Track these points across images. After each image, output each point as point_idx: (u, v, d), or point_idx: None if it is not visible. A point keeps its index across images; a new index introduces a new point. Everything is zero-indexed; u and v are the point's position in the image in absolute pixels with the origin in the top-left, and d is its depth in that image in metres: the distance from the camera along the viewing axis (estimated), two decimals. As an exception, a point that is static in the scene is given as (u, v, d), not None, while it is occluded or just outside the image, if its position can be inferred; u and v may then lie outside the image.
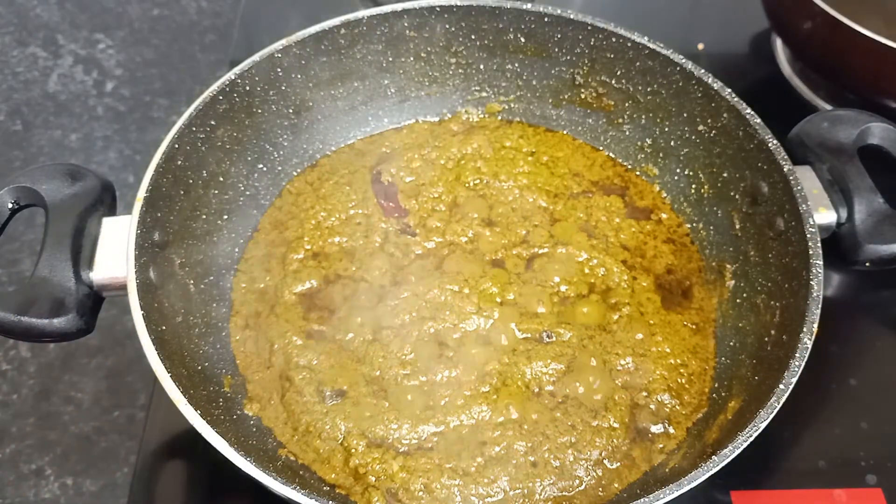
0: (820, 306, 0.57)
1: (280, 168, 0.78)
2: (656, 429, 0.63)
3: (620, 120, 0.80)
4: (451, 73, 0.82)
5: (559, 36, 0.77)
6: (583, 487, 0.60)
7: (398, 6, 0.75)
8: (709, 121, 0.72)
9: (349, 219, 0.75)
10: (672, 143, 0.77)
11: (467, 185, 0.78)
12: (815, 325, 0.56)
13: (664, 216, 0.76)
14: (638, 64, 0.75)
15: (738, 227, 0.70)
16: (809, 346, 0.55)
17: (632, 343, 0.67)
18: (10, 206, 0.62)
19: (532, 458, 0.61)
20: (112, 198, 0.65)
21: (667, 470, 0.60)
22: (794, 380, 0.54)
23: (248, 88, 0.72)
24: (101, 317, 0.61)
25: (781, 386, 0.54)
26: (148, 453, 0.66)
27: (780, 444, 0.66)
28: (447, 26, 0.78)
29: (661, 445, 0.62)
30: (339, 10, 0.76)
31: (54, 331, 0.57)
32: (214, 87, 0.69)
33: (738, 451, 0.51)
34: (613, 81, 0.78)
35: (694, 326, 0.69)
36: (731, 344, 0.67)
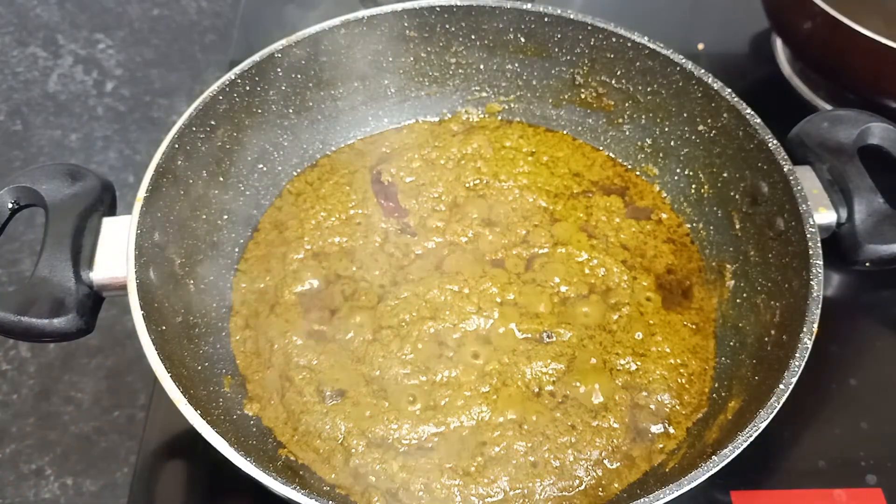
0: (820, 306, 0.57)
1: (280, 168, 0.78)
2: (656, 429, 0.63)
3: (620, 120, 0.80)
4: (451, 73, 0.82)
5: (559, 36, 0.77)
6: (583, 487, 0.60)
7: (398, 6, 0.75)
8: (709, 121, 0.72)
9: (349, 219, 0.75)
10: (672, 143, 0.77)
11: (467, 185, 0.78)
12: (815, 325, 0.56)
13: (664, 216, 0.76)
14: (638, 64, 0.75)
15: (738, 227, 0.70)
16: (809, 346, 0.55)
17: (632, 343, 0.67)
18: (10, 206, 0.62)
19: (532, 459, 0.61)
20: (112, 198, 0.65)
21: (667, 470, 0.60)
22: (794, 380, 0.54)
23: (248, 88, 0.72)
24: (101, 317, 0.61)
25: (781, 386, 0.54)
26: (148, 453, 0.66)
27: (780, 444, 0.66)
28: (447, 26, 0.78)
29: (661, 445, 0.62)
30: (339, 10, 0.76)
31: (54, 331, 0.57)
32: (214, 87, 0.69)
33: (738, 451, 0.51)
34: (613, 81, 0.78)
35: (694, 326, 0.69)
36: (731, 344, 0.67)
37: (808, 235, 0.60)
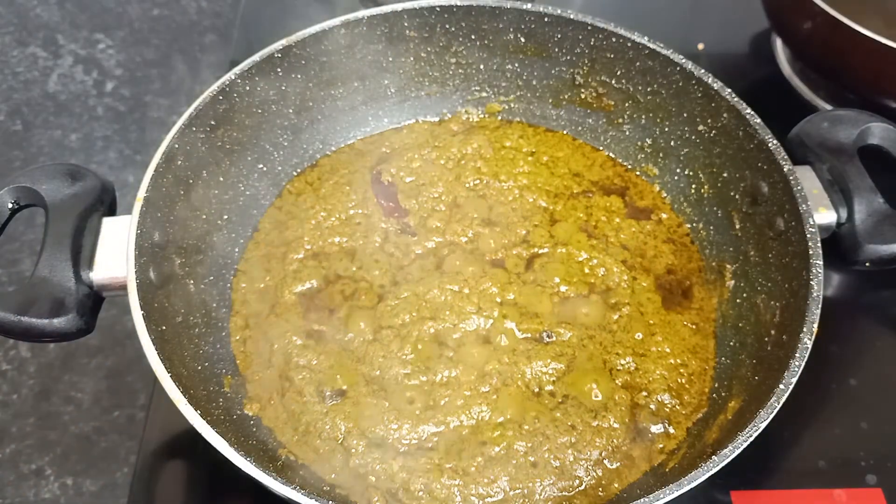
0: (820, 306, 0.57)
1: (280, 168, 0.78)
2: (656, 429, 0.63)
3: (620, 120, 0.80)
4: (451, 73, 0.82)
5: (559, 36, 0.77)
6: (583, 487, 0.60)
7: (398, 6, 0.75)
8: (709, 121, 0.72)
9: (349, 219, 0.75)
10: (672, 143, 0.77)
11: (467, 185, 0.78)
12: (815, 325, 0.56)
13: (664, 216, 0.76)
14: (638, 64, 0.75)
15: (738, 227, 0.70)
16: (809, 346, 0.55)
17: (632, 343, 0.67)
18: (10, 206, 0.62)
19: (532, 458, 0.61)
20: (112, 198, 0.65)
21: (667, 470, 0.60)
22: (794, 380, 0.54)
23: (248, 88, 0.72)
24: (101, 317, 0.61)
25: (781, 386, 0.54)
26: (148, 453, 0.66)
27: (780, 444, 0.66)
28: (447, 26, 0.78)
29: (661, 445, 0.62)
30: (339, 10, 0.76)
31: (54, 331, 0.57)
32: (214, 87, 0.69)
33: (738, 451, 0.51)
34: (613, 81, 0.78)
35: (694, 326, 0.69)
36: (731, 344, 0.67)
37: (808, 235, 0.60)
